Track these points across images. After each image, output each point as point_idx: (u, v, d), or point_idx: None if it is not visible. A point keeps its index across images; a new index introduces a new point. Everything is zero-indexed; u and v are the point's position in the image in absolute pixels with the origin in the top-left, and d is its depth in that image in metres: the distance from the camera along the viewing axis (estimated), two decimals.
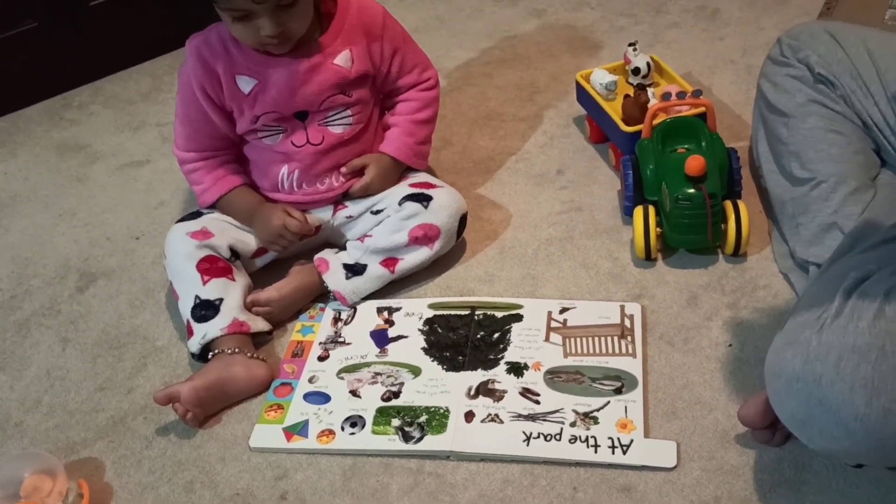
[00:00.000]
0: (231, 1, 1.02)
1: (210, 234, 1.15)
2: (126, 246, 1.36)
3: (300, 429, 1.02)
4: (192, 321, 1.10)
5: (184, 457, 1.02)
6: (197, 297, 1.10)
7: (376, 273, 1.16)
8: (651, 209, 1.17)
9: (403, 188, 1.20)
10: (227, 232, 1.17)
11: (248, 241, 1.19)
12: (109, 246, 1.37)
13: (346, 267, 1.16)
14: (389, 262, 1.16)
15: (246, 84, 1.13)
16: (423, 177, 1.23)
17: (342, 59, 1.15)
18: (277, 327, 1.16)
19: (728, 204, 1.15)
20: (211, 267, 1.13)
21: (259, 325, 1.12)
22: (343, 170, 1.20)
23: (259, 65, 1.13)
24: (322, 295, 1.19)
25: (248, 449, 1.01)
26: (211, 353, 1.08)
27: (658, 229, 1.17)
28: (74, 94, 1.77)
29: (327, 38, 1.14)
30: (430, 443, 0.98)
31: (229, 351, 1.07)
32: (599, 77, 1.35)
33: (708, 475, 0.91)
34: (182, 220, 1.20)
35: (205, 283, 1.11)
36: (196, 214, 1.20)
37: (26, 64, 1.69)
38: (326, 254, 1.19)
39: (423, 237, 1.15)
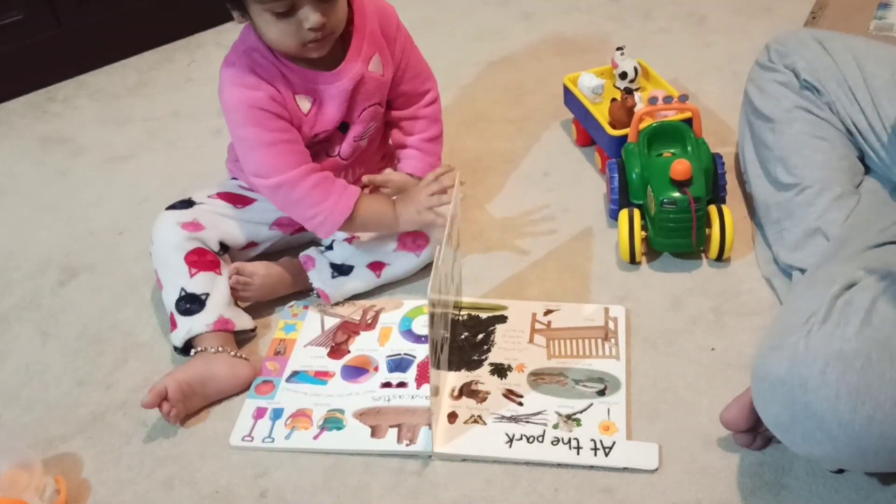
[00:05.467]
0: None
1: (201, 227, 1.14)
2: (109, 241, 1.35)
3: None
4: (176, 313, 1.09)
5: (163, 453, 1.01)
6: (183, 289, 1.09)
7: (362, 276, 1.16)
8: (636, 212, 1.17)
9: None
10: (218, 225, 1.15)
11: (238, 234, 1.17)
12: (92, 240, 1.35)
13: (333, 266, 1.16)
14: (376, 265, 1.16)
15: (305, 103, 1.09)
16: None
17: (374, 65, 1.13)
18: (250, 304, 1.14)
19: (713, 208, 1.15)
20: (199, 260, 1.11)
21: (243, 322, 1.11)
22: (365, 179, 1.18)
23: (311, 82, 1.09)
24: (304, 292, 1.18)
25: (228, 446, 1.00)
26: (194, 350, 1.07)
27: (643, 233, 1.17)
28: (59, 87, 1.76)
29: (356, 45, 1.11)
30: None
31: (213, 350, 1.06)
32: (587, 80, 1.36)
33: (689, 478, 0.92)
34: (173, 207, 1.17)
35: (192, 275, 1.10)
36: (188, 204, 1.17)
37: (10, 56, 1.68)
38: (312, 251, 1.18)
39: (411, 243, 1.15)
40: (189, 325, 1.07)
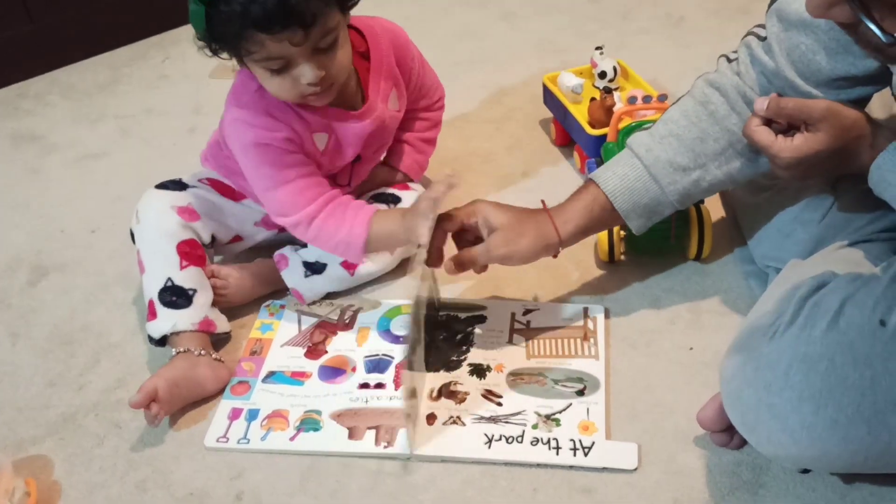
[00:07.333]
0: (267, 49, 0.92)
1: (196, 216, 1.11)
2: (81, 240, 1.33)
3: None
4: (157, 303, 1.06)
5: (136, 455, 0.99)
6: (170, 279, 1.06)
7: (336, 274, 1.14)
8: None
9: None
10: (211, 215, 1.13)
11: (228, 226, 1.15)
12: (64, 239, 1.33)
13: (306, 265, 1.14)
14: (350, 263, 1.15)
15: (321, 140, 1.07)
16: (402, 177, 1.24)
17: (392, 102, 1.12)
18: (226, 307, 1.13)
19: (691, 208, 1.15)
20: (191, 252, 1.08)
21: (223, 325, 1.09)
22: None
23: (330, 119, 1.06)
24: (280, 292, 1.17)
25: (203, 448, 0.99)
26: (175, 350, 1.04)
27: (622, 233, 1.17)
28: (30, 83, 1.73)
29: (374, 84, 1.09)
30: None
31: (196, 352, 1.03)
32: (566, 80, 1.36)
33: (668, 477, 0.92)
34: (165, 186, 1.12)
35: (182, 267, 1.07)
36: (180, 185, 1.13)
37: None
38: (287, 250, 1.16)
39: None
40: (174, 320, 1.05)
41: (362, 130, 1.09)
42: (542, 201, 1.03)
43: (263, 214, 1.17)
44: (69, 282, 1.25)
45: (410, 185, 1.23)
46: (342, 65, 0.99)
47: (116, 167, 1.48)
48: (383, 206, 1.14)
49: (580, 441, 0.95)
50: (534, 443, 0.95)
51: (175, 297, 1.06)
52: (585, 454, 0.93)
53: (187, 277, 1.07)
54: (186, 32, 1.86)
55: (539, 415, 0.98)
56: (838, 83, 0.90)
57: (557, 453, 0.94)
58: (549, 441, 0.95)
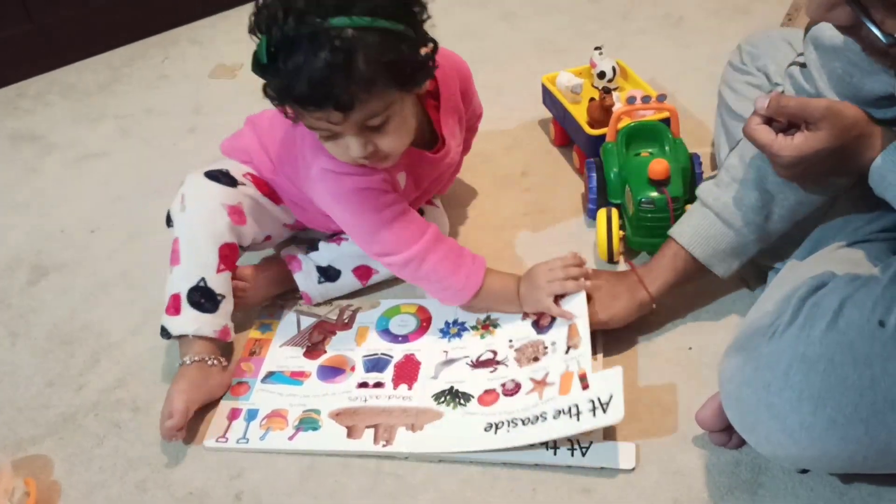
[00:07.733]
0: (308, 121, 0.93)
1: (244, 219, 1.08)
2: (81, 239, 1.33)
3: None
4: (184, 300, 1.03)
5: (136, 455, 0.99)
6: (203, 279, 1.03)
7: (349, 282, 1.14)
8: (614, 212, 1.17)
9: None
10: (255, 217, 1.10)
11: (264, 228, 1.13)
12: (63, 239, 1.33)
13: (320, 270, 1.14)
14: (363, 271, 1.14)
15: (402, 180, 1.06)
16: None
17: (457, 138, 1.12)
18: (240, 310, 1.12)
19: (689, 208, 1.16)
20: (230, 256, 1.06)
21: (232, 336, 1.08)
22: None
23: (411, 159, 1.05)
24: (289, 291, 1.17)
25: (202, 448, 0.99)
26: (189, 359, 1.01)
27: (621, 232, 1.17)
28: (30, 83, 1.73)
29: (445, 121, 1.07)
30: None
31: (209, 361, 1.02)
32: (565, 80, 1.36)
33: (666, 477, 0.92)
34: (215, 178, 1.07)
35: (219, 270, 1.04)
36: (230, 179, 1.09)
37: None
38: (297, 251, 1.15)
39: None
40: (199, 323, 1.02)
41: (437, 171, 1.10)
42: (631, 262, 1.09)
43: (295, 220, 1.17)
44: (69, 282, 1.25)
45: (435, 199, 1.23)
46: (397, 142, 0.96)
47: (116, 167, 1.48)
48: None
49: (578, 441, 0.95)
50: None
51: (204, 299, 1.03)
52: (583, 454, 0.93)
53: (220, 282, 1.05)
54: (186, 32, 1.88)
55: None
56: (880, 102, 0.90)
57: (555, 453, 0.94)
58: (546, 441, 0.95)
